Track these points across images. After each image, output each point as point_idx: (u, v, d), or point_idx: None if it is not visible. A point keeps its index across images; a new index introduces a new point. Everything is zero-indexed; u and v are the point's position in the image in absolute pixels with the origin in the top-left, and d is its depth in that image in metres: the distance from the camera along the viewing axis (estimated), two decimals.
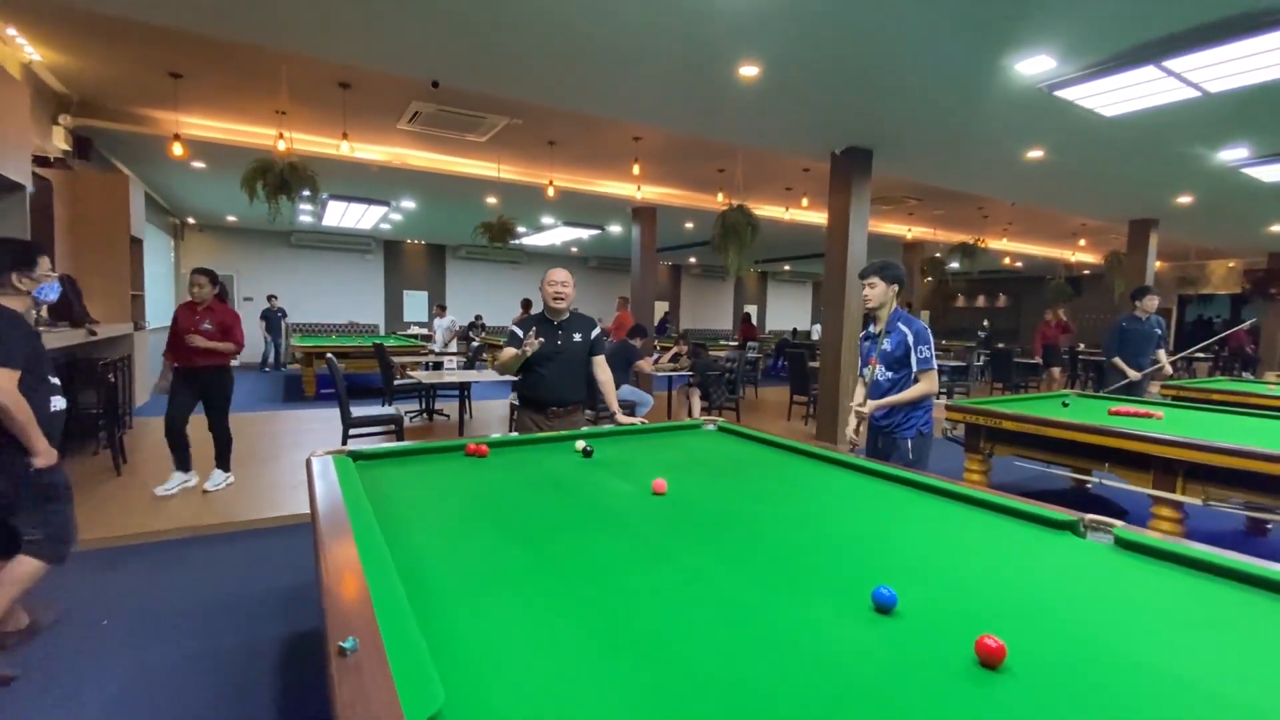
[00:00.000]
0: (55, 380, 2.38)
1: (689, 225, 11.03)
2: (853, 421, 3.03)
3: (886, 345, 2.90)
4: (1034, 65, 3.95)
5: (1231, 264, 15.45)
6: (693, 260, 17.89)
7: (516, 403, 4.15)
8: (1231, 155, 5.91)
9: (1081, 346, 14.62)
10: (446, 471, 2.19)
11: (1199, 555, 1.49)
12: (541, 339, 2.93)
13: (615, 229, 11.70)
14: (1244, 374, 12.30)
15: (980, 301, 22.28)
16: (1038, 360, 9.52)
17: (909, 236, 11.20)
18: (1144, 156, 6.08)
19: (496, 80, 4.61)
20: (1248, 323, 12.43)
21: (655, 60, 4.13)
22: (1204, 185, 7.15)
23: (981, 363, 10.45)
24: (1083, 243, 12.61)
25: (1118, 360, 5.43)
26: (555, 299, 2.99)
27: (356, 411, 4.93)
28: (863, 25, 3.56)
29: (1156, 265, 16.19)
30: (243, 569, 3.15)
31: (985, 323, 18.47)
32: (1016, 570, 1.47)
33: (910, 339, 2.83)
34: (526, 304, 10.74)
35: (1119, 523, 1.66)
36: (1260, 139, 5.49)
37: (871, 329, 3.06)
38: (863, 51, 3.92)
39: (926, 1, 3.27)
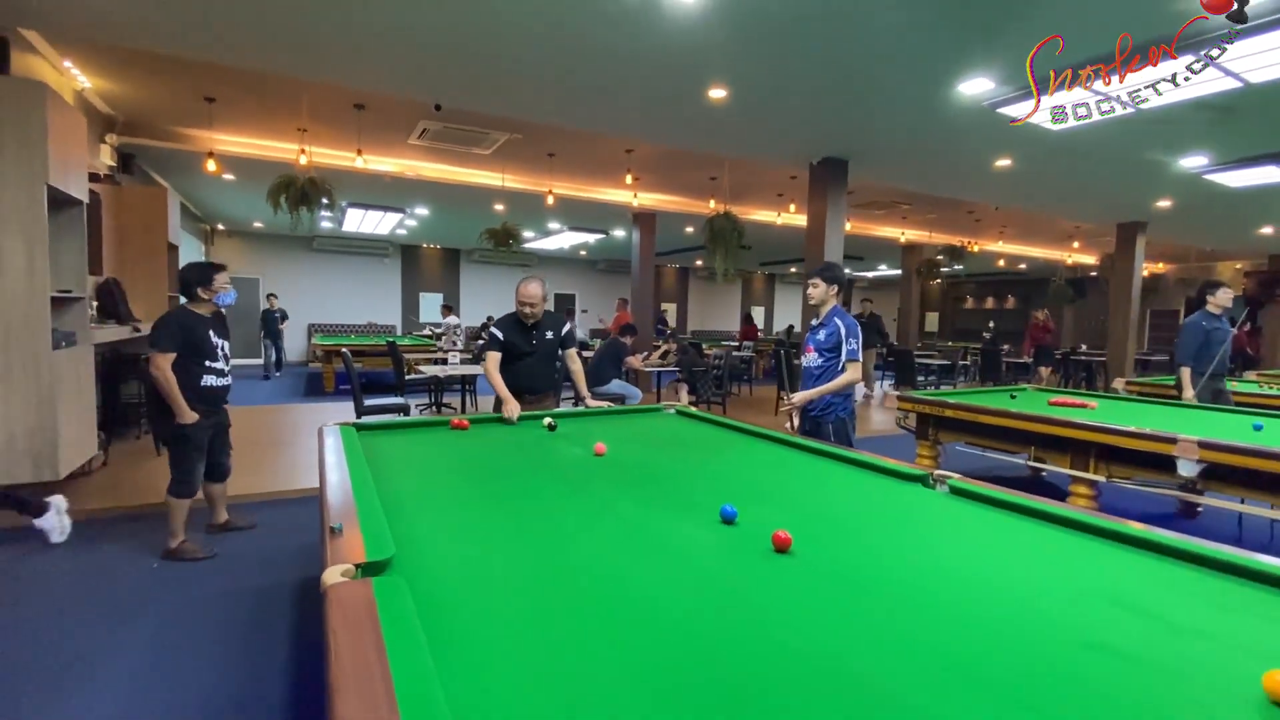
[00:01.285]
0: (217, 363, 3.28)
1: (689, 229, 11.46)
2: (795, 418, 3.48)
3: (821, 335, 3.33)
4: (975, 86, 4.34)
5: (1238, 265, 15.47)
6: (699, 263, 18.30)
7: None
8: (1192, 163, 6.21)
9: (1083, 347, 14.77)
10: (431, 439, 2.67)
11: (1005, 498, 1.90)
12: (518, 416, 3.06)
13: (619, 233, 12.17)
14: (1243, 374, 12.38)
15: (989, 303, 22.37)
16: (1028, 360, 9.79)
17: (902, 239, 11.52)
18: (1109, 165, 6.39)
19: (494, 102, 5.10)
20: (1246, 325, 12.52)
21: (633, 84, 4.59)
22: (1178, 190, 7.42)
23: (969, 362, 10.74)
24: (1076, 245, 12.81)
25: (1185, 372, 4.60)
26: (526, 317, 3.41)
27: (369, 402, 5.45)
28: (815, 52, 3.98)
29: (1160, 268, 16.28)
30: (265, 530, 3.66)
31: (990, 324, 18.62)
32: (854, 502, 1.91)
33: (842, 332, 3.24)
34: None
35: (955, 475, 2.08)
36: (1216, 147, 5.79)
37: (814, 323, 3.48)
38: (820, 75, 4.33)
39: (871, 31, 3.68)
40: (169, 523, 3.21)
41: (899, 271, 13.63)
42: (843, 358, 3.22)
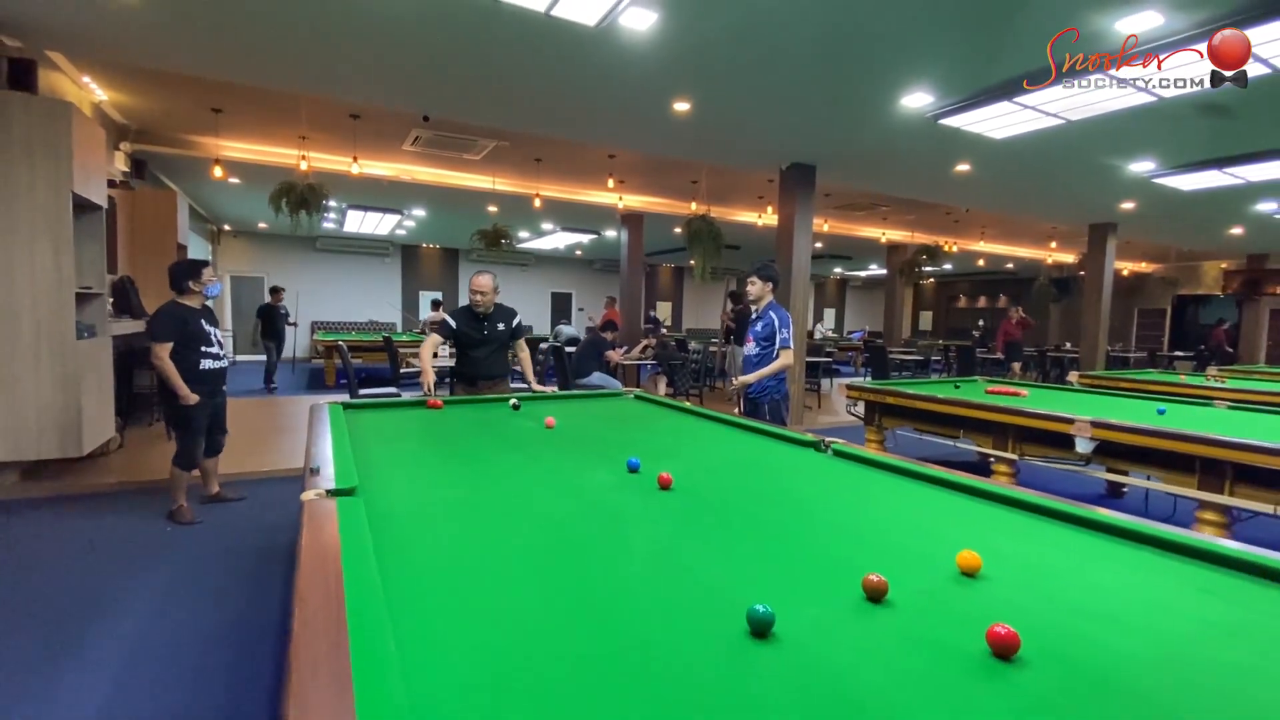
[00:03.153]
0: (212, 348, 3.74)
1: (677, 230, 11.84)
2: (740, 400, 3.89)
3: (759, 327, 3.73)
4: (916, 100, 4.71)
5: (1224, 265, 15.76)
6: (692, 263, 18.67)
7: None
8: (1141, 167, 6.56)
9: (1068, 345, 15.10)
10: (407, 415, 3.07)
11: (872, 457, 2.29)
12: (440, 395, 3.40)
13: (610, 234, 12.57)
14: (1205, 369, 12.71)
15: (982, 302, 22.70)
16: (1000, 356, 10.15)
17: (883, 240, 11.88)
18: (1063, 169, 6.75)
19: (478, 113, 5.51)
20: (1225, 323, 12.90)
21: (603, 99, 4.99)
22: (1137, 193, 7.76)
23: (942, 359, 11.09)
24: (1054, 245, 13.14)
25: None
26: (477, 306, 3.70)
27: (364, 391, 5.86)
28: (765, 68, 4.36)
29: (1144, 267, 16.57)
30: (264, 502, 4.08)
31: (980, 322, 18.95)
32: (748, 460, 2.30)
33: (776, 323, 3.64)
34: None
35: (840, 441, 2.47)
36: (1161, 153, 6.14)
37: (753, 316, 3.88)
38: (772, 88, 4.72)
39: (811, 50, 4.06)
40: (171, 489, 3.69)
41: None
42: (776, 345, 3.61)
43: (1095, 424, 3.44)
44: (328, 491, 1.63)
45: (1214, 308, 17.40)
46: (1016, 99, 4.40)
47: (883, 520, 1.65)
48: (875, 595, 1.16)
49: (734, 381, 3.77)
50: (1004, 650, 0.97)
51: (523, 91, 4.87)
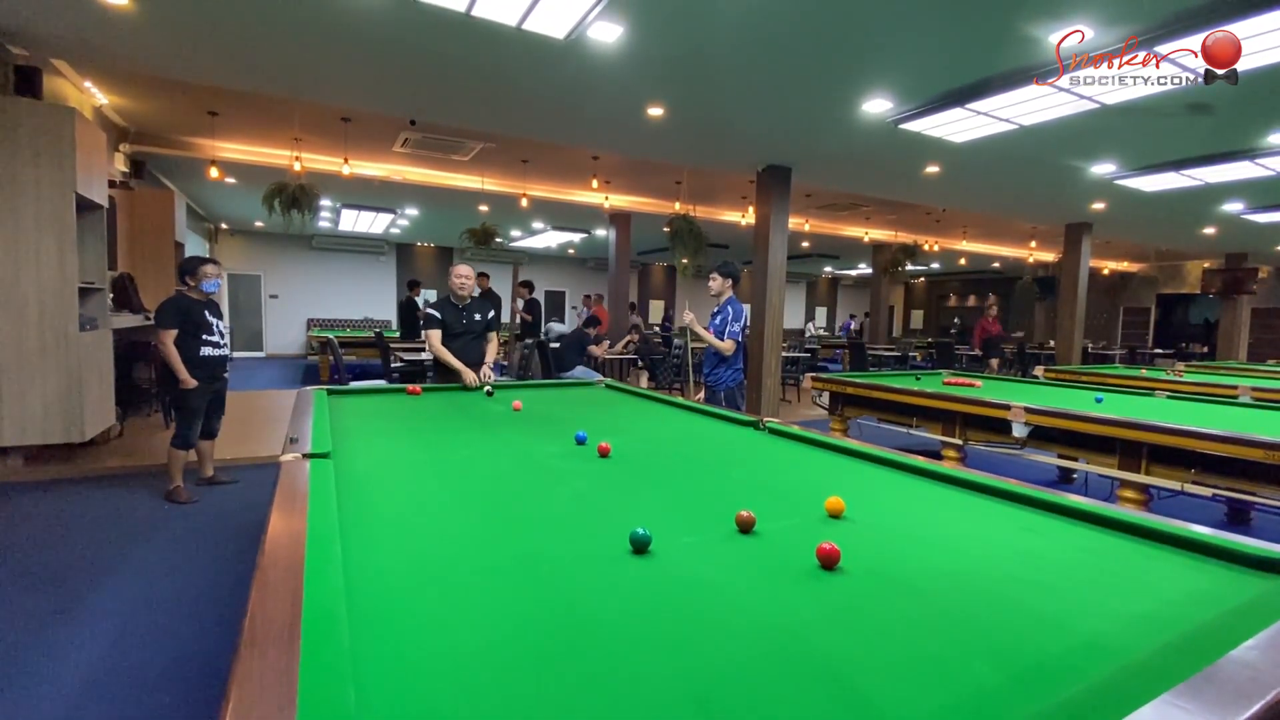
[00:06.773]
0: (213, 337, 4.03)
1: (666, 229, 12.08)
2: (696, 391, 4.16)
3: (718, 320, 4.01)
4: (876, 106, 4.97)
5: (1207, 264, 16.03)
6: (684, 261, 18.90)
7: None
8: (1103, 169, 6.82)
9: (1052, 343, 15.37)
10: (387, 400, 3.32)
11: (796, 432, 2.54)
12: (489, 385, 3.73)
13: (600, 232, 12.81)
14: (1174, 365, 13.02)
15: (971, 301, 22.97)
16: (978, 352, 10.42)
17: (866, 239, 12.14)
18: (1030, 171, 6.99)
19: (462, 117, 5.76)
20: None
21: (580, 105, 5.23)
22: (1105, 194, 8.02)
23: (921, 355, 11.36)
24: (1034, 244, 13.40)
25: None
26: (458, 297, 3.95)
27: (354, 384, 6.11)
28: (732, 77, 4.61)
29: (1126, 266, 16.84)
30: (251, 485, 4.32)
31: (955, 320, 19.18)
32: (688, 435, 2.55)
33: (730, 316, 3.93)
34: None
35: (774, 420, 2.73)
36: (1119, 156, 6.39)
37: (714, 310, 4.16)
38: (742, 96, 4.97)
39: (774, 60, 4.31)
40: (169, 469, 3.94)
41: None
42: (725, 333, 3.90)
43: (1028, 409, 3.69)
44: (303, 455, 1.89)
45: (1197, 307, 17.67)
46: (968, 105, 4.65)
47: (783, 478, 1.91)
48: (745, 528, 1.41)
49: (685, 317, 4.09)
50: (826, 562, 1.23)
51: (502, 98, 5.12)
